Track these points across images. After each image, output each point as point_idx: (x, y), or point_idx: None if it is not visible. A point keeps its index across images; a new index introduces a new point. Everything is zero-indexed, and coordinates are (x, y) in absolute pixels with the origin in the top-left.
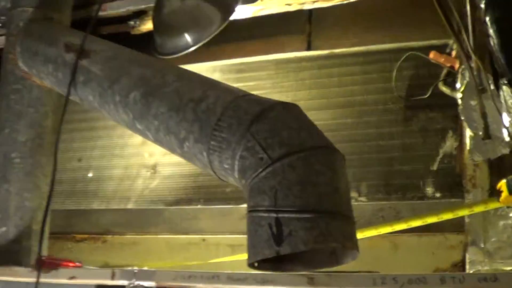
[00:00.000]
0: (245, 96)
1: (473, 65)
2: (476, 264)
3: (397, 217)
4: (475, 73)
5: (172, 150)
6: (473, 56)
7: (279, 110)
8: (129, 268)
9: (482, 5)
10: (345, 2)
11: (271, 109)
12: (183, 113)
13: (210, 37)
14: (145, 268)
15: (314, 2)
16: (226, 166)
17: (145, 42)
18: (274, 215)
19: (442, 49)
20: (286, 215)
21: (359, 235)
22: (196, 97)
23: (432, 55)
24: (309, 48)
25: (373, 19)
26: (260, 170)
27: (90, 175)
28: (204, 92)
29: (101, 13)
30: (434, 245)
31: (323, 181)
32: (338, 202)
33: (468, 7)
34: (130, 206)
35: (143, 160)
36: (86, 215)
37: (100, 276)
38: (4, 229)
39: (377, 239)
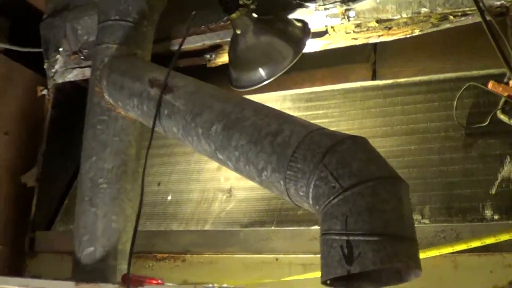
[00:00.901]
0: (317, 130)
1: None
2: None
3: (458, 238)
4: None
5: (251, 179)
6: None
7: (349, 144)
8: (210, 285)
9: None
10: (408, 36)
11: (342, 142)
12: (261, 145)
13: (283, 71)
14: (225, 285)
15: (379, 36)
16: (301, 194)
17: (220, 74)
18: (345, 238)
19: (501, 78)
20: (356, 238)
21: (422, 255)
22: (272, 131)
23: (490, 85)
24: (374, 76)
25: (434, 48)
26: (332, 197)
27: (169, 198)
28: (280, 126)
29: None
30: (492, 264)
31: (389, 208)
32: (402, 226)
33: None
34: (207, 227)
35: (219, 185)
36: (166, 235)
37: None
38: (92, 249)
39: (439, 258)
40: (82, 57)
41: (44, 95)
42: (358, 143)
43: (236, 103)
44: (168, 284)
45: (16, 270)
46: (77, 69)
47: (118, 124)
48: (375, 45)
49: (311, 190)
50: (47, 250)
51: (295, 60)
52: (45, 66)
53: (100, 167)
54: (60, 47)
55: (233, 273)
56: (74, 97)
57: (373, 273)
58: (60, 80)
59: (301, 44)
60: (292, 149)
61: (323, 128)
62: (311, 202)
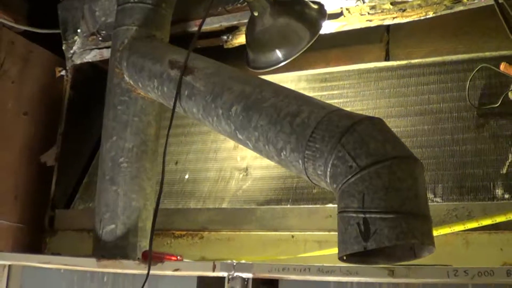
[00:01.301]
0: (335, 111)
1: None
2: None
3: (469, 217)
4: None
5: (270, 158)
6: None
7: (366, 124)
8: (228, 261)
9: None
10: (422, 18)
11: (359, 123)
12: (280, 125)
13: (300, 53)
14: (243, 261)
15: (394, 18)
16: (319, 173)
17: (237, 55)
18: (362, 215)
19: None
20: (372, 215)
21: (435, 232)
22: (291, 112)
23: (502, 66)
24: (387, 56)
25: (447, 28)
26: (350, 176)
27: (186, 177)
28: (298, 107)
29: (196, 29)
30: (502, 242)
31: (405, 186)
32: (417, 205)
33: None
34: (224, 205)
35: (236, 163)
36: (184, 213)
37: (202, 268)
38: (113, 226)
39: (451, 236)
40: (100, 38)
41: (62, 76)
42: (375, 123)
43: (255, 84)
44: (187, 260)
45: (36, 247)
46: (95, 50)
47: (138, 105)
48: (388, 25)
49: (329, 169)
50: (66, 228)
51: (312, 42)
52: (63, 47)
53: (120, 146)
54: (78, 29)
55: (250, 250)
56: (92, 77)
57: (388, 249)
58: (78, 61)
59: (318, 26)
60: (311, 130)
61: (341, 109)
62: (328, 181)
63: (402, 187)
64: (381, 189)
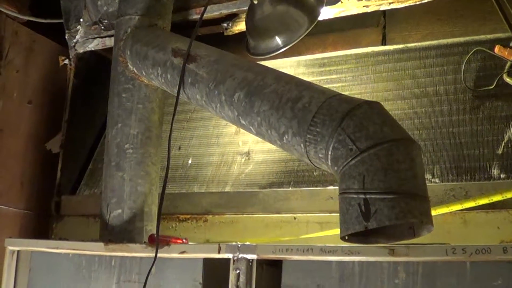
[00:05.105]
0: (335, 96)
1: None
2: None
3: (466, 196)
4: None
5: (273, 142)
6: None
7: (365, 108)
8: (233, 243)
9: None
10: (417, 3)
11: (358, 107)
12: (282, 111)
13: (299, 39)
14: (247, 243)
15: (390, 3)
16: (321, 156)
17: (236, 42)
18: (362, 196)
19: (507, 42)
20: (372, 196)
21: (433, 212)
22: (293, 97)
23: (496, 49)
24: (384, 40)
25: (443, 12)
26: (350, 159)
27: (189, 162)
28: (299, 92)
29: (196, 17)
30: (499, 220)
31: (403, 167)
32: (415, 185)
33: None
34: (227, 189)
35: (238, 148)
36: (188, 197)
37: (208, 250)
38: (119, 211)
39: (449, 215)
40: (102, 27)
41: (66, 64)
42: (373, 107)
43: (257, 71)
44: (192, 243)
45: (43, 233)
46: (98, 39)
47: (142, 92)
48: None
49: (330, 152)
50: (72, 214)
51: (311, 28)
52: (66, 37)
53: (125, 133)
54: (80, 18)
55: (253, 232)
56: (95, 65)
57: (388, 228)
58: (81, 50)
59: (316, 13)
60: (312, 114)
61: (340, 94)
62: (330, 163)
63: (400, 169)
64: (380, 170)
